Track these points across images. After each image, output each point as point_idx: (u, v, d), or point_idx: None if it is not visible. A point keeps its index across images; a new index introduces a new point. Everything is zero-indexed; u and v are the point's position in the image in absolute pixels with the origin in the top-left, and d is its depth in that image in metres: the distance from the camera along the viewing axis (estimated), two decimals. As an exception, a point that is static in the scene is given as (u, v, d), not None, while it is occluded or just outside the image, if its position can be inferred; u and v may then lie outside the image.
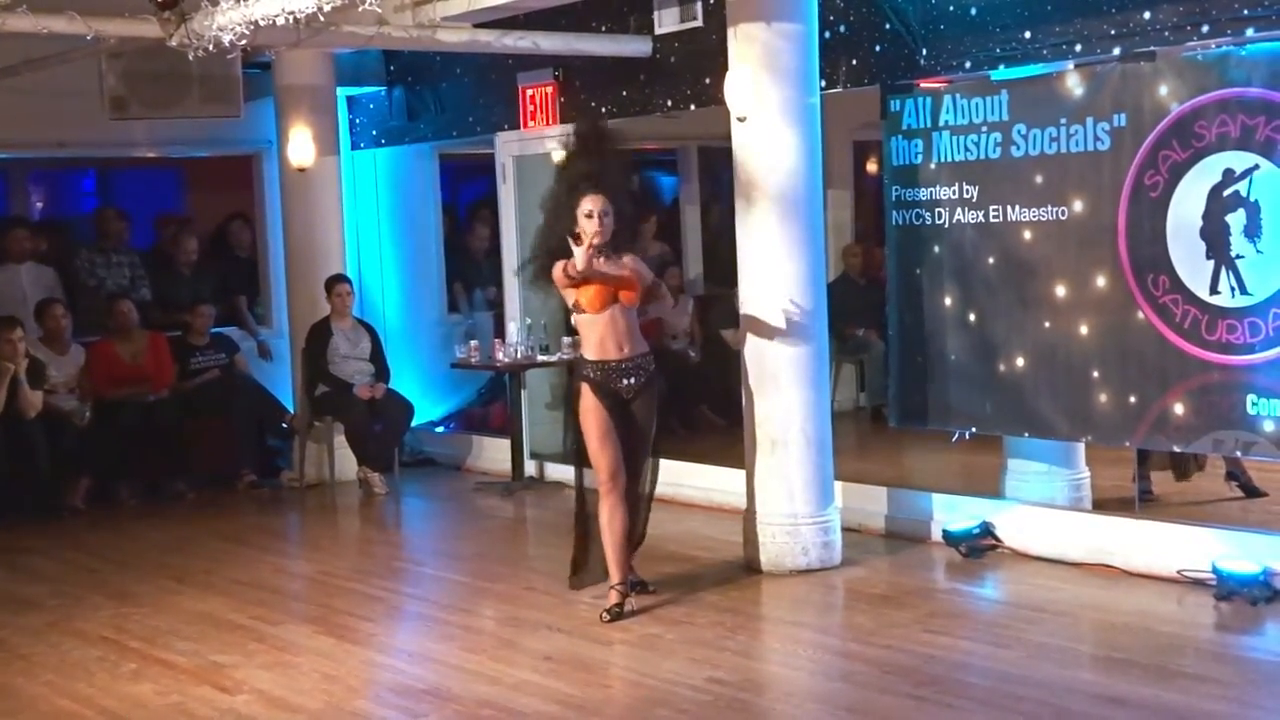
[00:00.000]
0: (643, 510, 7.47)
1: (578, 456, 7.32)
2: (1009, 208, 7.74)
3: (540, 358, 10.38)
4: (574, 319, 7.20)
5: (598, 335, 7.05)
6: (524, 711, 5.79)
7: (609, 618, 6.93)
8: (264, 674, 6.42)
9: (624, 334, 7.07)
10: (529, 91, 10.28)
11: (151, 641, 6.98)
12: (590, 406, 7.07)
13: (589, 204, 6.95)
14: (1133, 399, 7.30)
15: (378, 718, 5.92)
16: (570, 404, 7.32)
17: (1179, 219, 7.03)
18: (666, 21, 9.19)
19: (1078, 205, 7.44)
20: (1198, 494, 8.30)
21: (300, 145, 10.89)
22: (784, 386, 7.70)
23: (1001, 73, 7.72)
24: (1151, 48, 7.05)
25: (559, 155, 10.54)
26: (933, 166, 8.06)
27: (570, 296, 7.08)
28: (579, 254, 6.80)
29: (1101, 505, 8.15)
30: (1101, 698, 5.68)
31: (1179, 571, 7.08)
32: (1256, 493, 8.28)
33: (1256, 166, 6.73)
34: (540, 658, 6.48)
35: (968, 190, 7.91)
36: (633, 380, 7.11)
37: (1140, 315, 7.21)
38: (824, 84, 7.95)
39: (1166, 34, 6.98)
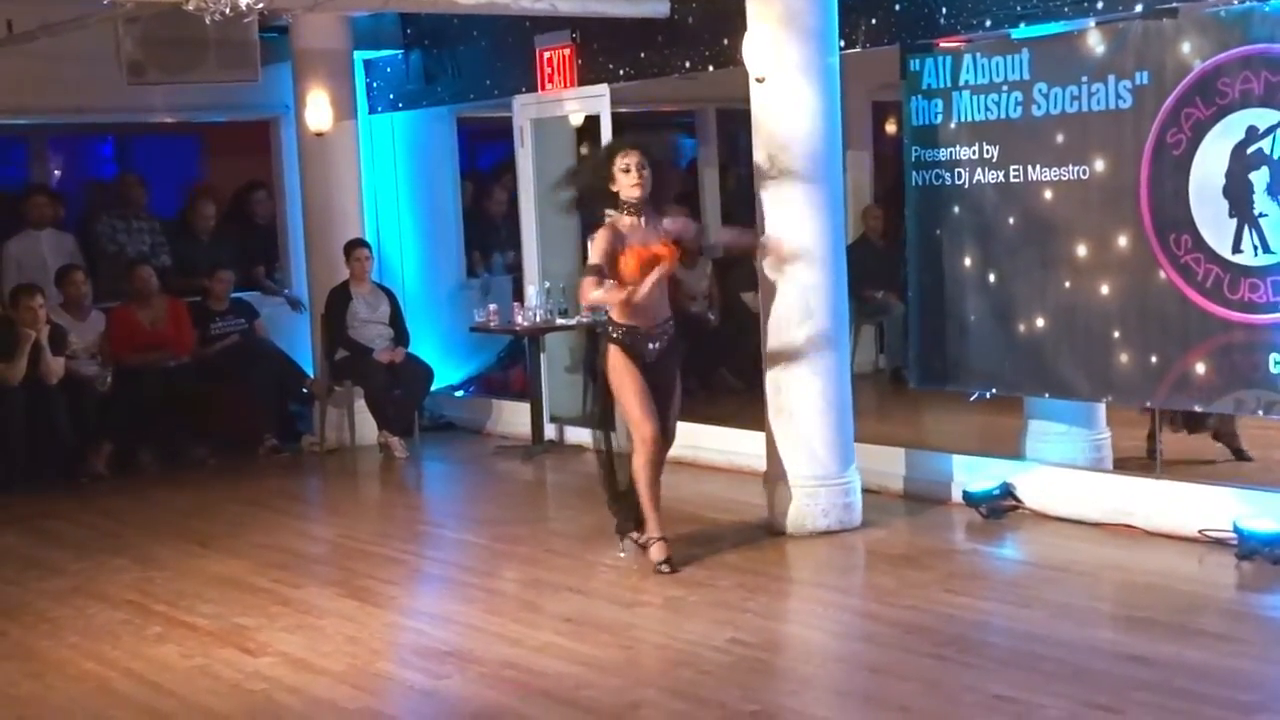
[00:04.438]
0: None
1: (602, 419, 7.33)
2: (1030, 167, 7.70)
3: (559, 321, 10.38)
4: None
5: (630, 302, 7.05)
6: (546, 672, 5.82)
7: (669, 569, 6.99)
8: (287, 636, 6.45)
9: (656, 301, 7.09)
10: (546, 54, 10.24)
11: (175, 604, 7.02)
12: (621, 365, 7.08)
13: (626, 159, 6.98)
14: (1154, 359, 7.27)
15: (401, 679, 5.96)
16: (592, 367, 7.32)
17: (1201, 177, 6.98)
18: (684, -18, 9.14)
19: (1099, 164, 7.40)
20: (1218, 453, 8.28)
21: (318, 110, 10.87)
22: (804, 348, 7.69)
23: (1022, 31, 7.66)
24: (1174, 4, 6.99)
25: (578, 119, 10.56)
26: (953, 126, 8.02)
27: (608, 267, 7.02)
28: (645, 284, 6.89)
29: (1122, 465, 8.13)
30: (1122, 656, 5.68)
31: (1200, 531, 7.07)
32: (1244, 456, 8.25)
33: (1280, 124, 6.69)
34: (561, 619, 6.50)
35: (988, 150, 7.87)
36: (656, 345, 7.15)
37: (1162, 275, 7.17)
38: (843, 44, 7.90)
39: (1189, -10, 6.93)
